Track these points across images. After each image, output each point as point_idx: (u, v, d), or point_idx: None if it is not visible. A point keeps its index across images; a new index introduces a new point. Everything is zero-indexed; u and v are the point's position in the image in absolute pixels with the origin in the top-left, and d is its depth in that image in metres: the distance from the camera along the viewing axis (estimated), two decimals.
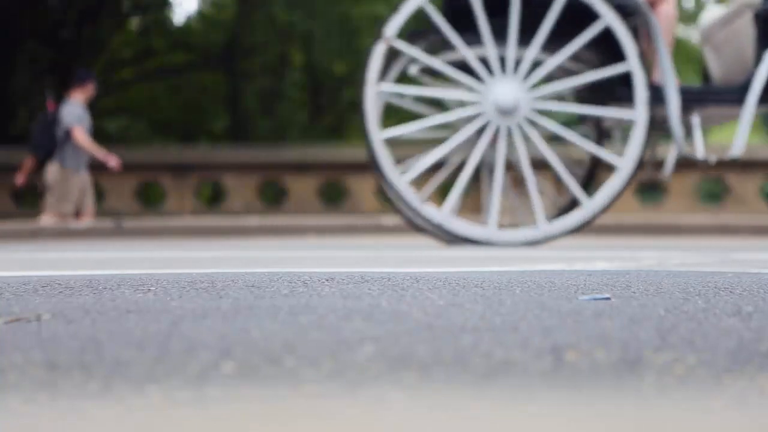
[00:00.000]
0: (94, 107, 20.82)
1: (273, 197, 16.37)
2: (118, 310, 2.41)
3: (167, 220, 13.92)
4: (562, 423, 1.49)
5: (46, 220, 12.91)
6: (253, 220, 13.31)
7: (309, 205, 15.26)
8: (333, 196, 16.16)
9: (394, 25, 7.07)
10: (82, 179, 13.05)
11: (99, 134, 22.68)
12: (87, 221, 12.96)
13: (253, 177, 15.64)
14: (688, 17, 21.42)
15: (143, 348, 1.91)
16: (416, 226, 8.09)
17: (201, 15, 23.95)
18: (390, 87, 7.19)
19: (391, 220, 12.95)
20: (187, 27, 23.71)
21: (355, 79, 22.97)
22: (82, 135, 12.82)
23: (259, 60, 22.17)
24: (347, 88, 23.44)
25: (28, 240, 10.86)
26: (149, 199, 16.57)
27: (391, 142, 7.47)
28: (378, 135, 7.04)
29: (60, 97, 13.68)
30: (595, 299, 2.62)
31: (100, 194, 15.66)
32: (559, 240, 7.49)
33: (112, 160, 12.85)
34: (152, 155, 16.12)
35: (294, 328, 2.09)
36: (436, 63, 7.21)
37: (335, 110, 23.17)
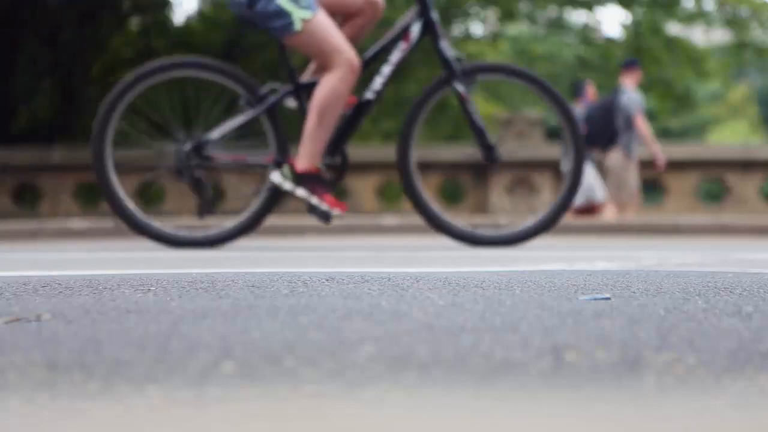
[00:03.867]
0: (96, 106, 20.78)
1: None
2: (118, 310, 2.41)
3: (167, 220, 13.91)
4: (562, 423, 1.49)
5: (609, 213, 12.90)
6: None
7: None
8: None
9: None
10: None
11: None
12: (611, 213, 12.97)
13: (253, 177, 15.62)
14: (688, 17, 21.38)
15: (143, 348, 1.91)
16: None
17: (201, 15, 23.92)
18: None
19: (391, 220, 12.94)
20: (187, 27, 23.68)
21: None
22: (644, 124, 13.00)
23: (259, 60, 22.16)
24: None
25: (28, 240, 10.85)
26: (149, 199, 16.54)
27: None
28: None
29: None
30: (595, 299, 2.62)
31: (99, 194, 15.64)
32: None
33: (662, 159, 12.91)
34: (152, 155, 16.10)
35: (294, 328, 2.09)
36: None
37: None
